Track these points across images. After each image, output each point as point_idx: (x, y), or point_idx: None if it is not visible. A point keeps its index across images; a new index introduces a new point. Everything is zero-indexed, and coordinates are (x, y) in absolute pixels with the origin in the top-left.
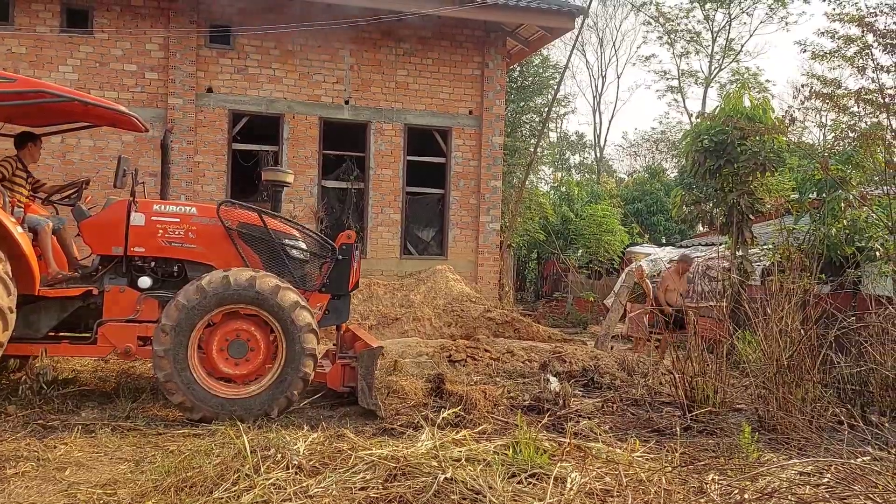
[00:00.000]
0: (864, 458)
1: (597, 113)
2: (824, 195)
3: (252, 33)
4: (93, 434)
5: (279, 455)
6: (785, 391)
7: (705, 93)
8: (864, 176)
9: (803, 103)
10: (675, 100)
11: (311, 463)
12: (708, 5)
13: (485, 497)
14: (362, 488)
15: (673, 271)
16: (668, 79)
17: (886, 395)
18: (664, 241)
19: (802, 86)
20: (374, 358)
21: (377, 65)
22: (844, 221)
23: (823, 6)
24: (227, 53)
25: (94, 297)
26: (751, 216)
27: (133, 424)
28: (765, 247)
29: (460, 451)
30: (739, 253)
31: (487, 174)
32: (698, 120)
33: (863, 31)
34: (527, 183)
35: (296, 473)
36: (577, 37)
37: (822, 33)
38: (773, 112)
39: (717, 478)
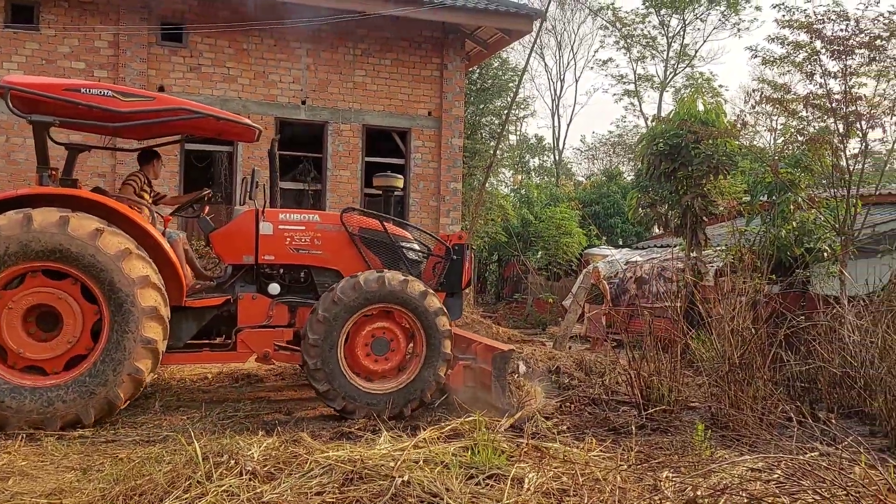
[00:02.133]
0: (813, 454)
1: (556, 116)
2: (774, 197)
3: (205, 31)
4: (38, 442)
5: (233, 461)
6: (736, 389)
7: (661, 97)
8: (813, 179)
9: (754, 108)
10: (632, 104)
11: (265, 468)
12: (663, 11)
13: (442, 499)
14: (318, 493)
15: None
16: (624, 83)
17: (834, 393)
18: (621, 243)
19: (753, 90)
20: (507, 360)
21: (335, 65)
22: (794, 223)
23: (774, 13)
24: (180, 51)
25: (228, 306)
26: (704, 218)
27: (80, 432)
28: (718, 248)
29: (419, 454)
30: (693, 254)
31: (447, 176)
32: (654, 124)
33: (811, 38)
34: (487, 185)
35: (250, 479)
36: (535, 40)
37: (773, 39)
38: (726, 116)
39: (671, 475)
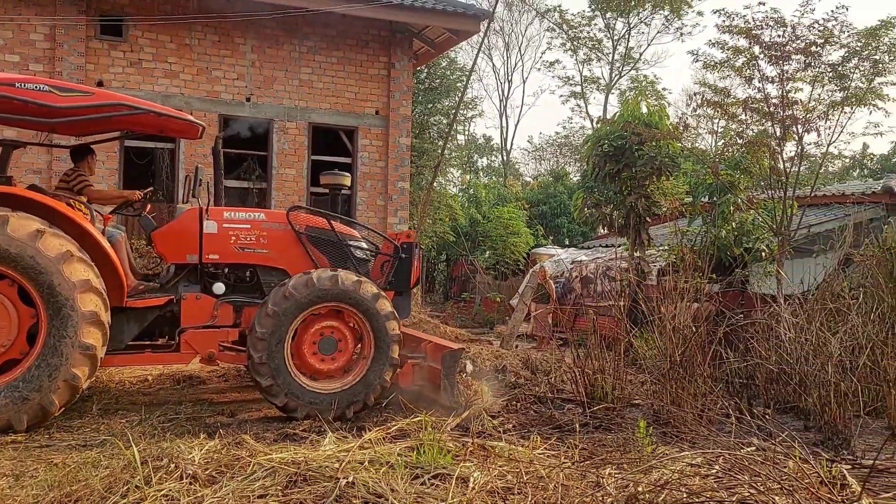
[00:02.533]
0: (749, 450)
1: (503, 117)
2: (715, 199)
3: (146, 25)
4: None
5: (172, 465)
6: (677, 387)
7: (606, 99)
8: (752, 181)
9: (695, 111)
10: (578, 105)
11: (207, 472)
12: (609, 14)
13: (387, 500)
14: (261, 496)
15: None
16: (571, 85)
17: (771, 389)
18: (567, 243)
19: (695, 94)
20: (457, 359)
21: (280, 62)
22: (733, 224)
23: (715, 18)
24: (119, 45)
25: (171, 306)
26: (647, 218)
27: (13, 437)
28: (661, 248)
29: (364, 454)
30: (637, 254)
31: (395, 175)
32: (599, 125)
33: (750, 43)
34: (435, 185)
35: (190, 483)
36: (483, 40)
37: (713, 44)
38: (669, 118)
39: (613, 472)
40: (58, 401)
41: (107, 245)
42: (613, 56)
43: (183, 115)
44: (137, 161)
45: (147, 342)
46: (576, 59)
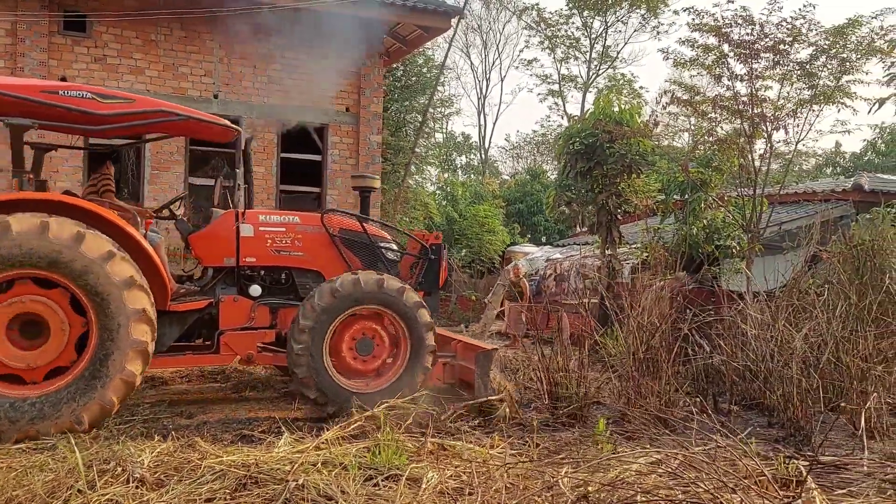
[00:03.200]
0: (707, 447)
1: (481, 114)
2: (687, 196)
3: (110, 21)
4: None
5: (119, 468)
6: (640, 384)
7: (584, 97)
8: (723, 179)
9: (665, 108)
10: (556, 103)
11: (156, 475)
12: (586, 13)
13: (337, 502)
14: (209, 500)
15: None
16: (549, 83)
17: (736, 386)
18: (545, 241)
19: (665, 91)
20: (490, 359)
21: (249, 58)
22: (704, 221)
23: (686, 17)
24: (83, 41)
25: (210, 308)
26: (618, 216)
27: None
28: (633, 245)
29: (318, 456)
30: (608, 252)
31: (366, 172)
32: (570, 123)
33: (719, 41)
34: (412, 182)
35: (136, 487)
36: (453, 37)
37: (683, 42)
38: (641, 117)
39: (569, 471)
40: (115, 398)
41: (150, 248)
42: (591, 54)
43: (219, 119)
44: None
45: (186, 344)
46: (553, 58)
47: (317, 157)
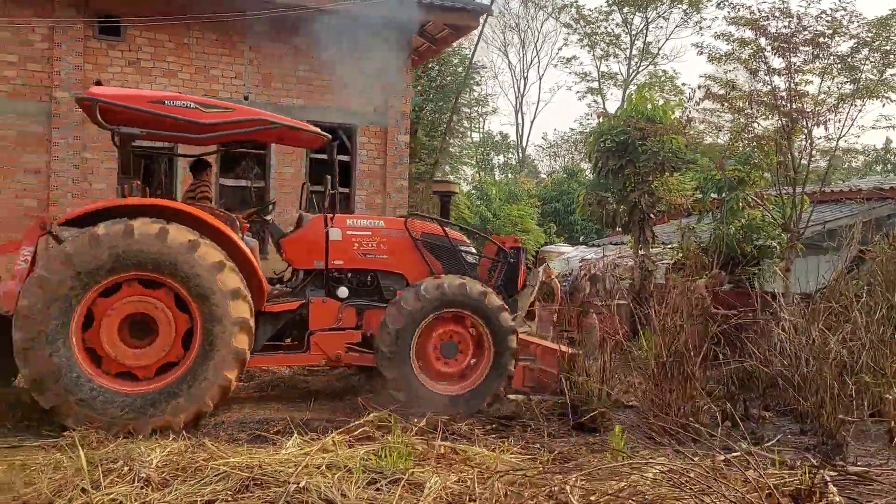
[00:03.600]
0: (719, 458)
1: (519, 114)
2: (725, 195)
3: (144, 25)
4: None
5: (126, 468)
6: (666, 388)
7: (624, 94)
8: (762, 177)
9: (698, 104)
10: (595, 101)
11: (162, 475)
12: (626, 9)
13: None
14: (210, 501)
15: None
16: (588, 80)
17: (769, 391)
18: (582, 240)
19: (699, 87)
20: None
21: (278, 60)
22: (742, 221)
23: (720, 11)
24: (118, 45)
25: (301, 309)
26: (651, 216)
27: None
28: (668, 246)
29: (324, 458)
30: (641, 252)
31: (394, 173)
32: (601, 120)
33: (756, 35)
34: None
35: (141, 487)
36: (480, 34)
37: (719, 36)
38: (674, 114)
39: (579, 478)
40: (211, 402)
41: (250, 254)
42: (631, 51)
43: (311, 127)
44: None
45: (277, 343)
46: (593, 55)
47: (346, 158)
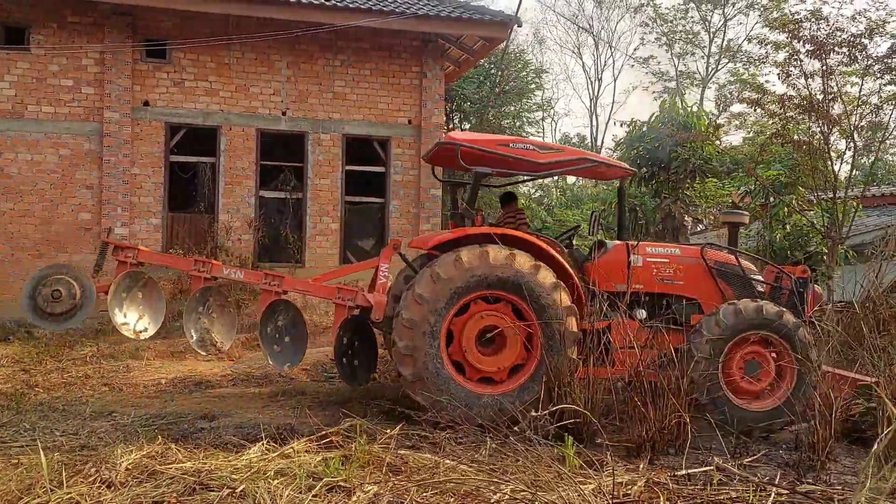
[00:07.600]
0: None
1: (593, 116)
2: (771, 200)
3: (188, 47)
4: None
5: (93, 469)
6: (639, 398)
7: (702, 93)
8: (808, 181)
9: (728, 108)
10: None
11: (126, 477)
12: (704, 6)
13: None
14: (157, 502)
15: None
16: (665, 80)
17: None
18: None
19: (729, 91)
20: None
21: (314, 76)
22: (787, 227)
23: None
24: (163, 67)
25: (607, 329)
26: (685, 223)
27: None
28: None
29: (280, 464)
30: None
31: (427, 183)
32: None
33: (789, 38)
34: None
35: (98, 488)
36: (506, 45)
37: (751, 40)
38: (707, 120)
39: (517, 488)
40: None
41: (575, 277)
42: (710, 49)
43: (622, 164)
44: (181, 175)
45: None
46: (670, 54)
47: (380, 169)
